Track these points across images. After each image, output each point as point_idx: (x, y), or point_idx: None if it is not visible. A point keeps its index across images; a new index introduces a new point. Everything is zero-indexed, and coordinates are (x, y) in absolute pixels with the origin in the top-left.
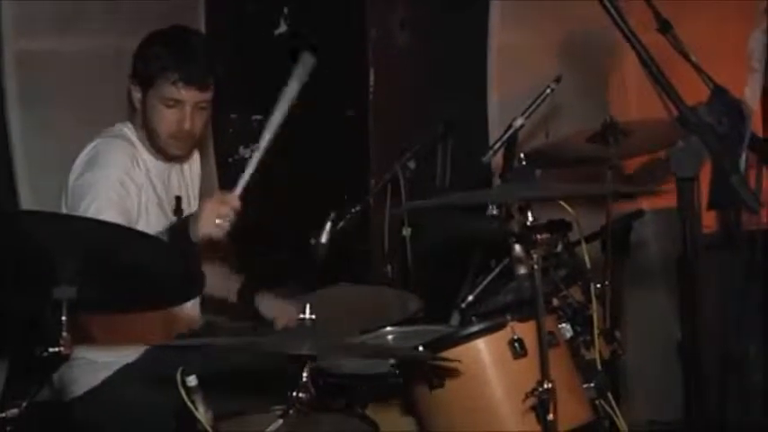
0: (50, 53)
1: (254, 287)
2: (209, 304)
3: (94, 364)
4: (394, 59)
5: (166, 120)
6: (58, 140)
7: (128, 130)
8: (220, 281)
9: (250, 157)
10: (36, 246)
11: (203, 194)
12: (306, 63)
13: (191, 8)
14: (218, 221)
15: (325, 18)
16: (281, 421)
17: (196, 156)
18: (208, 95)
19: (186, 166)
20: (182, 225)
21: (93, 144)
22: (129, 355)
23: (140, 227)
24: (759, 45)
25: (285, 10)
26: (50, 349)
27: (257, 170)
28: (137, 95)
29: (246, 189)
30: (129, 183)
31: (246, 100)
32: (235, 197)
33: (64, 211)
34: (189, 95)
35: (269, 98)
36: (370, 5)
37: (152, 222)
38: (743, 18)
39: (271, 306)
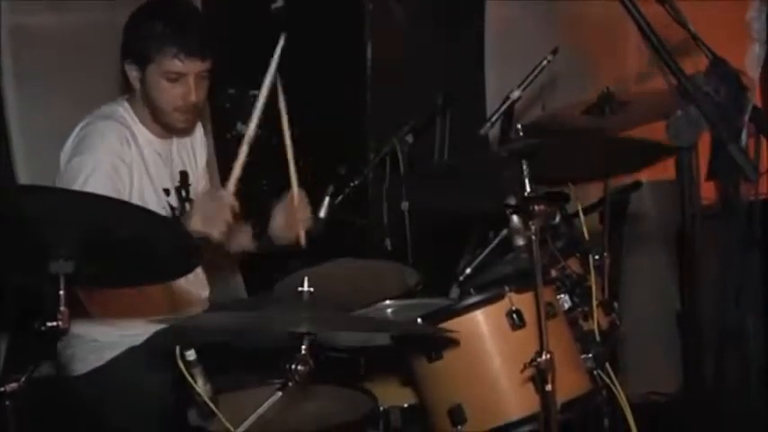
0: (45, 28)
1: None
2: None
3: (100, 344)
4: (391, 34)
5: (171, 94)
6: (55, 115)
7: (122, 108)
8: (236, 237)
9: (237, 150)
10: (33, 220)
11: (208, 167)
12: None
13: None
14: (212, 220)
15: None
16: (280, 394)
17: (199, 126)
18: (208, 65)
19: (189, 139)
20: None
21: (81, 125)
22: (134, 335)
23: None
24: (758, 15)
25: None
26: (48, 323)
27: (247, 160)
28: (134, 74)
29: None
30: (119, 164)
31: (244, 75)
32: (229, 195)
33: None
34: (191, 67)
35: (265, 73)
36: None
37: (145, 199)
38: None
39: (282, 218)
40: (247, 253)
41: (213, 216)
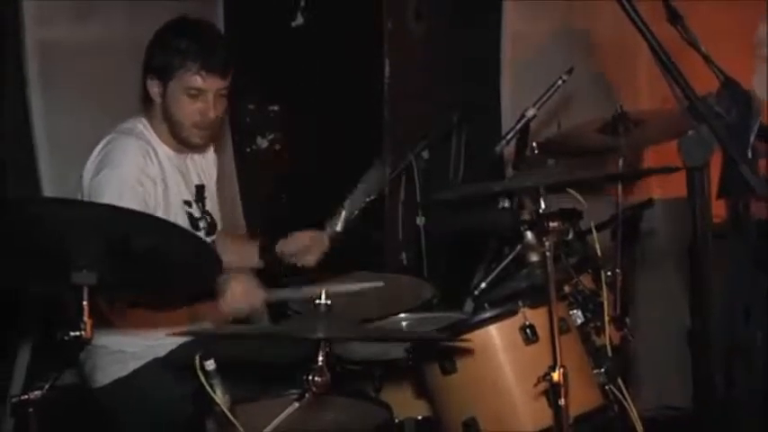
0: (69, 43)
1: (272, 243)
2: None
3: (124, 354)
4: (409, 51)
5: (190, 110)
6: (78, 127)
7: (141, 125)
8: (240, 252)
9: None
10: (57, 232)
11: (220, 179)
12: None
13: (209, 1)
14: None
15: (341, 10)
16: (297, 405)
17: (211, 152)
18: (227, 83)
19: (201, 156)
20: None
21: (104, 141)
22: (158, 346)
23: None
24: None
25: (302, 2)
26: (72, 333)
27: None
28: (155, 89)
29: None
30: (144, 178)
31: (264, 90)
32: (263, 295)
33: None
34: (211, 84)
35: (285, 89)
36: None
37: (169, 212)
38: (752, 7)
39: (291, 243)
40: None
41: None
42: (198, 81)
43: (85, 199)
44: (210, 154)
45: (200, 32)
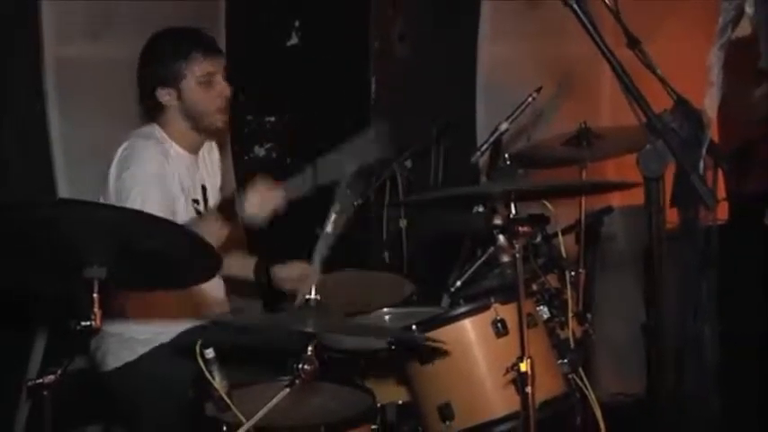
0: (84, 59)
1: (268, 263)
2: (231, 285)
3: (132, 341)
4: (393, 69)
5: (209, 96)
6: (92, 137)
7: (155, 130)
8: (238, 263)
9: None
10: (70, 231)
11: (222, 187)
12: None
13: (212, 21)
14: (263, 205)
15: (331, 31)
16: (287, 390)
17: (214, 146)
18: (225, 61)
19: (207, 156)
20: (227, 201)
21: (124, 145)
22: (164, 333)
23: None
24: (717, 61)
25: (296, 23)
26: (83, 323)
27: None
28: (168, 96)
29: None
30: (163, 174)
31: (261, 104)
32: (281, 193)
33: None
34: (217, 64)
35: (281, 102)
36: (372, 20)
37: (179, 210)
38: (704, 36)
39: (285, 271)
40: None
41: (266, 202)
42: (206, 66)
43: (113, 199)
44: (215, 155)
45: (182, 32)
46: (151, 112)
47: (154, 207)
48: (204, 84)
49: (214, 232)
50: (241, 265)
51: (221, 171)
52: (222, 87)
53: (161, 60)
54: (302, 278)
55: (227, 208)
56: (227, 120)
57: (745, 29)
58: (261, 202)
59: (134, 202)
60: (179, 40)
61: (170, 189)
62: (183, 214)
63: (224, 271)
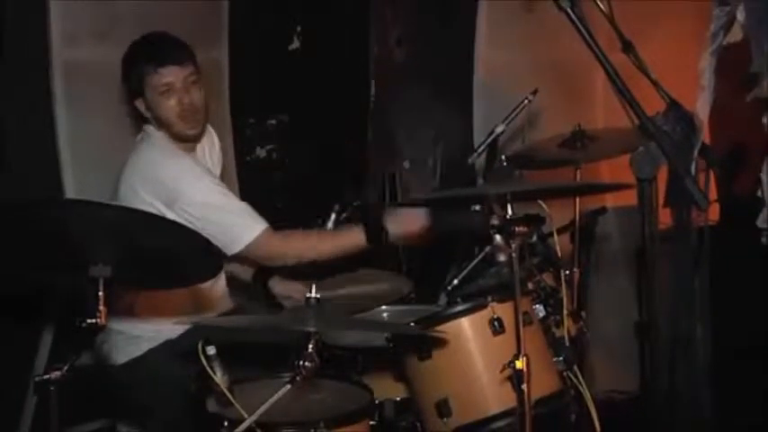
0: (91, 63)
1: (267, 273)
2: (234, 286)
3: (139, 338)
4: (392, 73)
5: (168, 105)
6: (99, 138)
7: (152, 134)
8: (343, 235)
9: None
10: (76, 230)
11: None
12: None
13: (215, 25)
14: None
15: (332, 36)
16: (288, 386)
17: (215, 139)
18: (190, 69)
19: (208, 150)
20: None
21: (132, 157)
22: (168, 331)
23: None
24: (708, 65)
25: (298, 28)
26: (89, 320)
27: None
28: (143, 107)
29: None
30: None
31: (263, 106)
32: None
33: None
34: (171, 74)
35: (282, 105)
36: (371, 25)
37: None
38: (695, 41)
39: (282, 287)
40: None
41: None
42: (158, 78)
43: (162, 208)
44: (216, 151)
45: (146, 42)
46: (139, 122)
47: (221, 188)
48: (164, 93)
49: (348, 248)
50: (242, 270)
51: (221, 164)
52: (180, 96)
53: (128, 73)
54: (297, 296)
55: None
56: (196, 126)
57: (736, 35)
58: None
59: (216, 197)
60: (138, 53)
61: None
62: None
63: (331, 251)
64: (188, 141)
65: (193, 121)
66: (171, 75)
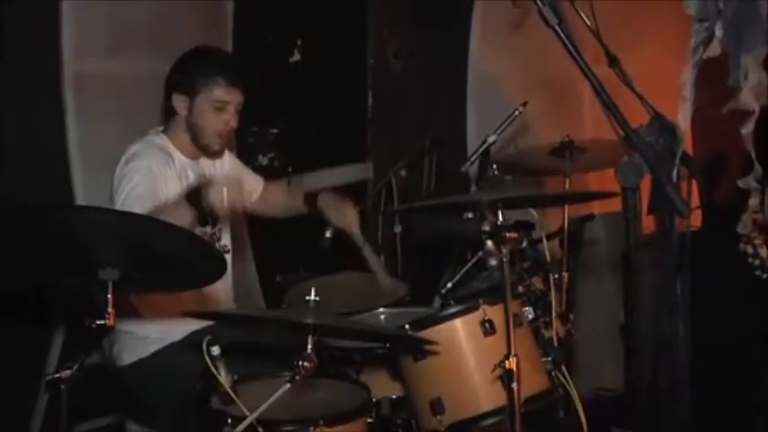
0: (100, 74)
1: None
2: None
3: (146, 339)
4: (388, 84)
5: (215, 120)
6: (106, 148)
7: (160, 139)
8: (286, 197)
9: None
10: (86, 234)
11: None
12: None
13: (220, 39)
14: (226, 197)
15: (331, 49)
16: (288, 385)
17: (227, 155)
18: (242, 99)
19: (218, 163)
20: (195, 188)
21: (130, 148)
22: (174, 332)
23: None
24: (688, 79)
25: (299, 42)
26: (98, 322)
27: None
28: (181, 104)
29: None
30: (158, 171)
31: (265, 116)
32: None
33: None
34: (234, 97)
35: (284, 114)
36: (369, 39)
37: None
38: (678, 56)
39: (331, 204)
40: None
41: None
42: (223, 94)
43: (113, 190)
44: (227, 162)
45: (221, 56)
46: (164, 114)
47: (139, 193)
48: (215, 108)
49: (180, 217)
50: (289, 201)
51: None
52: (229, 117)
53: (189, 70)
54: (341, 208)
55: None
56: (222, 147)
57: (715, 49)
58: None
59: (122, 191)
60: (212, 60)
61: (164, 181)
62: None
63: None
64: (206, 154)
65: (224, 142)
66: (232, 96)
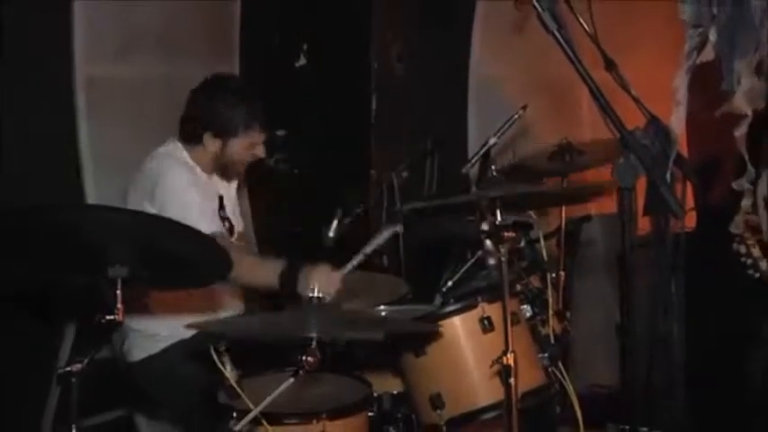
0: (111, 79)
1: (295, 270)
2: (254, 294)
3: (155, 336)
4: (392, 87)
5: (245, 156)
6: (117, 148)
7: (177, 149)
8: (264, 269)
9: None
10: (96, 233)
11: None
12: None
13: (227, 45)
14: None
15: (336, 53)
16: (292, 379)
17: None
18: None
19: (231, 184)
20: (291, 277)
21: (148, 166)
22: (183, 330)
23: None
24: (682, 83)
25: (305, 47)
26: (107, 317)
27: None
28: (213, 142)
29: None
30: (192, 182)
31: (272, 119)
32: (342, 278)
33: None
34: (262, 138)
35: (290, 117)
36: (372, 43)
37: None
38: (673, 60)
39: (311, 281)
40: None
41: (327, 286)
42: (258, 137)
43: (158, 197)
44: (233, 185)
45: (251, 97)
46: (186, 136)
47: (195, 210)
48: (249, 148)
49: (254, 275)
50: (267, 273)
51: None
52: (259, 152)
53: (222, 116)
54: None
55: (285, 280)
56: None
57: (708, 54)
58: (325, 283)
59: (176, 212)
60: (245, 105)
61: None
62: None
63: (247, 278)
64: (225, 178)
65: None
66: (261, 138)
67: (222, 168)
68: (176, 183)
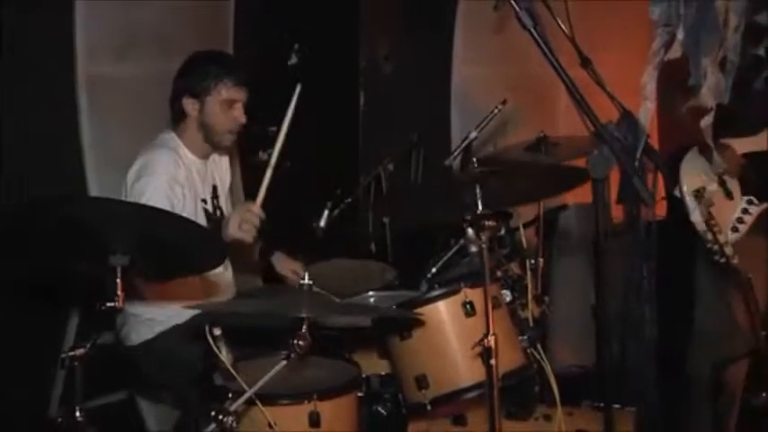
0: (113, 76)
1: (270, 249)
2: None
3: (152, 321)
4: (379, 85)
5: (226, 118)
6: (118, 144)
7: (170, 138)
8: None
9: (264, 173)
10: (97, 223)
11: (232, 186)
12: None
13: (222, 43)
14: (244, 227)
15: (326, 52)
16: (284, 362)
17: (225, 156)
18: (247, 95)
19: (219, 160)
20: (215, 229)
21: (141, 154)
22: (178, 315)
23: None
24: (650, 79)
25: (296, 46)
26: (108, 304)
27: (270, 182)
28: (191, 106)
29: (265, 196)
30: (173, 184)
31: (265, 115)
32: (257, 206)
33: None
34: (241, 95)
35: (282, 114)
36: (361, 43)
37: (188, 209)
38: (643, 58)
39: (282, 264)
40: None
41: (246, 223)
42: (232, 93)
43: (129, 199)
44: (225, 161)
45: (226, 58)
46: (174, 116)
47: (166, 194)
48: (225, 106)
49: None
50: (250, 247)
51: (230, 172)
52: (238, 114)
53: (196, 74)
54: (291, 274)
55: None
56: (232, 141)
57: (676, 51)
58: (241, 223)
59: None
60: (217, 62)
61: (177, 196)
62: (190, 212)
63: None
64: (217, 150)
65: (234, 138)
66: (240, 94)
67: (210, 140)
68: (153, 182)
